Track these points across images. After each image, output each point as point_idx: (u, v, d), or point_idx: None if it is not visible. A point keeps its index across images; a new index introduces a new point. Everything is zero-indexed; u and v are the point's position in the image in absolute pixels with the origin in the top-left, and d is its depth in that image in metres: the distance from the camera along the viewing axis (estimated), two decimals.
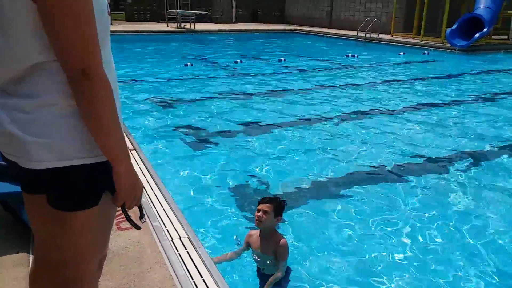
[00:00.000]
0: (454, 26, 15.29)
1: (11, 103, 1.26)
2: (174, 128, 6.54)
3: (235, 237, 3.57)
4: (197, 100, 8.39)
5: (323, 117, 7.36)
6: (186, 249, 2.84)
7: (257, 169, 5.08)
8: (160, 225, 3.09)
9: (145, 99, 8.21)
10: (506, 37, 17.72)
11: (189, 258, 2.74)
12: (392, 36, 18.61)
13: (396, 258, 3.46)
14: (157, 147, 5.72)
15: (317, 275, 3.24)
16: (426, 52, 15.57)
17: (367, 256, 3.47)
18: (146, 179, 3.93)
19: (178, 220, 3.20)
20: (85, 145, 1.29)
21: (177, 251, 2.80)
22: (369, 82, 10.52)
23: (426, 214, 4.11)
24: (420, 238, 3.74)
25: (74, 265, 1.46)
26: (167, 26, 21.37)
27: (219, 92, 8.98)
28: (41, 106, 1.24)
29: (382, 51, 16.16)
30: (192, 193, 4.43)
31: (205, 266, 2.67)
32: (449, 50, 15.54)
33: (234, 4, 25.66)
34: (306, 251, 3.52)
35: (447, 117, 7.55)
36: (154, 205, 3.42)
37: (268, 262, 3.16)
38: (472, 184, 4.81)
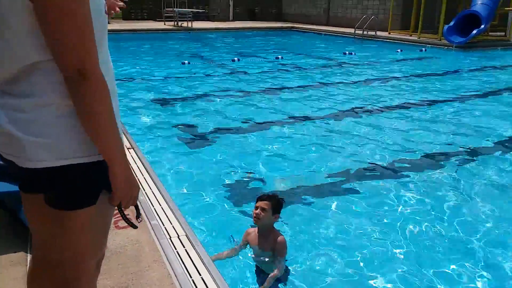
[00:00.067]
0: (451, 23, 15.29)
1: (8, 103, 1.26)
2: (172, 126, 6.54)
3: (231, 236, 3.58)
4: (195, 98, 8.38)
5: (320, 114, 7.37)
6: (184, 247, 2.84)
7: (255, 167, 5.08)
8: (158, 223, 3.09)
9: (143, 98, 8.20)
10: (503, 33, 17.72)
11: (188, 256, 2.74)
12: (389, 33, 18.61)
13: (394, 254, 3.47)
14: (155, 145, 5.71)
15: (315, 272, 3.25)
16: (423, 49, 15.58)
17: (365, 253, 3.47)
18: (144, 177, 3.93)
19: (176, 218, 3.19)
20: (82, 144, 1.29)
21: (176, 249, 2.80)
22: (367, 79, 10.52)
23: (423, 210, 4.13)
24: (418, 234, 3.75)
25: (73, 265, 1.46)
26: (164, 24, 21.33)
27: (216, 90, 8.97)
28: (38, 106, 1.24)
29: (380, 48, 16.16)
30: (190, 191, 4.43)
31: (204, 264, 2.67)
32: (446, 47, 15.55)
33: (231, 2, 25.63)
34: (304, 248, 3.53)
35: (445, 113, 7.55)
36: (152, 204, 3.41)
37: (266, 259, 3.16)
38: (469, 179, 4.81)
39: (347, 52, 14.69)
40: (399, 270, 3.28)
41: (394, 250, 3.51)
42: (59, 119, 1.25)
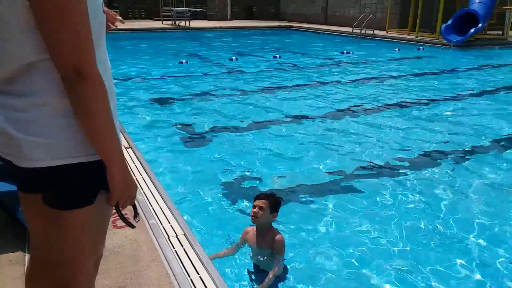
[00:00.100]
0: (449, 22, 15.32)
1: (5, 102, 1.26)
2: (170, 125, 6.53)
3: (228, 235, 3.58)
4: (192, 97, 8.38)
5: (318, 113, 7.37)
6: (182, 246, 2.84)
7: (253, 166, 5.08)
8: (156, 222, 3.09)
9: (140, 97, 8.20)
10: (500, 32, 17.74)
11: (186, 256, 2.74)
12: (387, 32, 18.63)
13: (393, 252, 3.48)
14: (153, 145, 5.71)
15: (314, 270, 3.26)
16: (421, 47, 15.60)
17: (363, 250, 3.48)
18: (142, 177, 3.92)
19: (175, 218, 3.19)
20: (80, 144, 1.28)
21: (174, 248, 2.80)
22: (364, 78, 10.54)
23: (421, 208, 4.15)
24: (416, 232, 3.76)
25: (71, 264, 1.46)
26: (162, 23, 21.32)
27: (214, 89, 8.97)
28: (36, 105, 1.24)
29: (377, 47, 16.18)
30: (188, 191, 4.43)
31: (202, 263, 2.67)
32: (444, 46, 15.58)
33: (229, 1, 25.62)
34: (303, 246, 3.53)
35: (442, 112, 7.57)
36: (150, 203, 3.41)
37: (264, 258, 3.16)
38: (465, 178, 4.84)
39: (345, 51, 14.70)
40: (397, 268, 3.29)
41: (392, 248, 3.53)
42: (57, 119, 1.25)
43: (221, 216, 4.00)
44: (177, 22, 20.96)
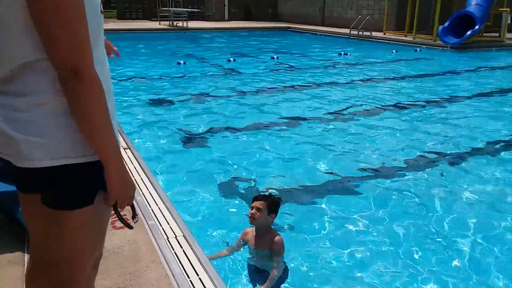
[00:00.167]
0: (446, 24, 15.37)
1: (3, 102, 1.26)
2: (168, 126, 6.53)
3: (224, 241, 3.59)
4: (190, 98, 8.38)
5: (315, 114, 7.39)
6: (182, 247, 2.85)
7: (252, 166, 5.09)
8: (155, 223, 3.09)
9: (138, 98, 8.19)
10: (497, 34, 17.81)
11: (185, 257, 2.74)
12: (384, 34, 18.67)
13: (393, 252, 3.49)
14: (151, 146, 5.71)
15: (313, 270, 3.26)
16: (418, 49, 15.65)
17: (363, 250, 3.50)
18: (141, 178, 3.92)
19: (174, 219, 3.20)
20: (77, 144, 1.28)
21: (173, 249, 2.80)
22: (361, 80, 10.56)
23: (420, 208, 4.17)
24: (417, 232, 3.78)
25: (71, 265, 1.46)
26: (160, 24, 21.30)
27: (212, 90, 8.98)
28: (33, 105, 1.24)
29: (375, 49, 16.22)
30: (187, 191, 4.43)
31: (201, 264, 2.68)
32: (441, 48, 15.62)
33: (226, 2, 25.63)
34: (302, 247, 3.54)
35: (439, 114, 7.60)
36: (149, 204, 3.41)
37: (263, 259, 3.17)
38: (463, 179, 4.86)
39: (342, 53, 14.72)
40: (398, 267, 3.30)
41: (392, 248, 3.54)
42: (54, 119, 1.25)
43: (220, 217, 4.00)
44: (175, 23, 20.95)
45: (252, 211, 3.11)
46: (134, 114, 7.09)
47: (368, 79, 10.67)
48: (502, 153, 5.77)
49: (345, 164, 5.26)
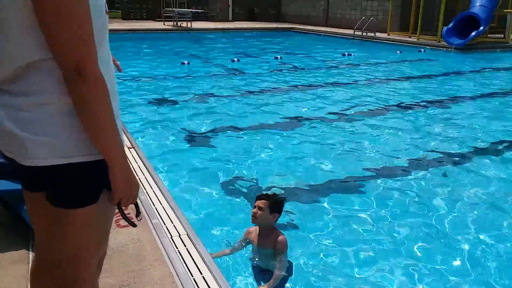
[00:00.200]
0: (450, 25, 15.32)
1: (9, 102, 1.26)
2: (172, 125, 6.54)
3: (230, 235, 3.59)
4: (194, 97, 8.39)
5: (318, 114, 7.38)
6: (185, 246, 2.85)
7: (256, 166, 5.09)
8: (159, 222, 3.10)
9: (143, 97, 8.21)
10: (502, 35, 17.76)
11: (189, 255, 2.75)
12: (388, 35, 18.63)
13: (397, 251, 3.49)
14: (155, 145, 5.72)
15: (317, 270, 3.26)
16: (422, 50, 15.61)
17: (366, 249, 3.51)
18: (145, 177, 3.93)
19: (177, 217, 3.21)
20: (82, 143, 1.29)
21: (177, 248, 2.81)
22: (365, 80, 10.55)
23: (422, 208, 4.16)
24: (421, 231, 3.78)
25: (75, 263, 1.46)
26: (164, 24, 21.34)
27: (216, 90, 8.99)
28: (38, 104, 1.24)
29: (379, 50, 16.18)
30: (191, 190, 4.44)
31: (205, 263, 2.68)
32: (445, 49, 15.58)
33: (230, 3, 25.65)
34: (306, 246, 3.54)
35: (443, 115, 7.58)
36: (153, 203, 3.42)
37: (267, 258, 3.17)
38: (466, 179, 4.85)
39: (346, 53, 14.71)
40: (401, 266, 3.30)
41: (396, 247, 3.54)
42: (59, 118, 1.26)
43: (224, 216, 4.01)
44: (179, 23, 20.98)
45: (254, 210, 3.12)
46: (138, 114, 7.11)
47: (372, 80, 10.65)
48: (506, 154, 5.75)
49: (349, 163, 5.26)
